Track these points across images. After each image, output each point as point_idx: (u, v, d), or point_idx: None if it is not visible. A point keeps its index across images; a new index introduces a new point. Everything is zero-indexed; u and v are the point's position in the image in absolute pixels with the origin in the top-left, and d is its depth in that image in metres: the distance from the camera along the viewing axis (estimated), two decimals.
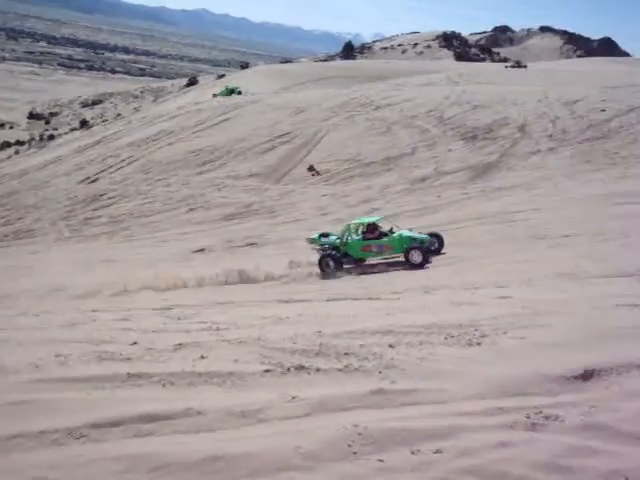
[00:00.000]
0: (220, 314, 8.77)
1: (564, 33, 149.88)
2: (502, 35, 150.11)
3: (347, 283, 12.74)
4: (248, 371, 5.07)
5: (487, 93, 35.62)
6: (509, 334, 5.67)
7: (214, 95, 51.28)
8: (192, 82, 79.09)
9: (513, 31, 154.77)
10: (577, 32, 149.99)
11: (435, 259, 14.16)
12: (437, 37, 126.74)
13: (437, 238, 15.36)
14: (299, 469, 3.53)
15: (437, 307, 7.71)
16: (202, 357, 5.48)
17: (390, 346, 5.47)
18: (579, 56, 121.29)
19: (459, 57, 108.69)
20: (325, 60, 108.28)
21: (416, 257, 14.56)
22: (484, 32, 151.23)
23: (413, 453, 3.64)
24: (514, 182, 22.04)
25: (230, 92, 50.63)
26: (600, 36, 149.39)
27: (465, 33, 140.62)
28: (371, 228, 15.71)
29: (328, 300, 9.74)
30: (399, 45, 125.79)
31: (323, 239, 16.07)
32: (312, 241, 16.19)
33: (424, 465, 3.52)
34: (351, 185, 25.80)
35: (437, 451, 3.64)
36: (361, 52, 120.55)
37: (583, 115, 29.93)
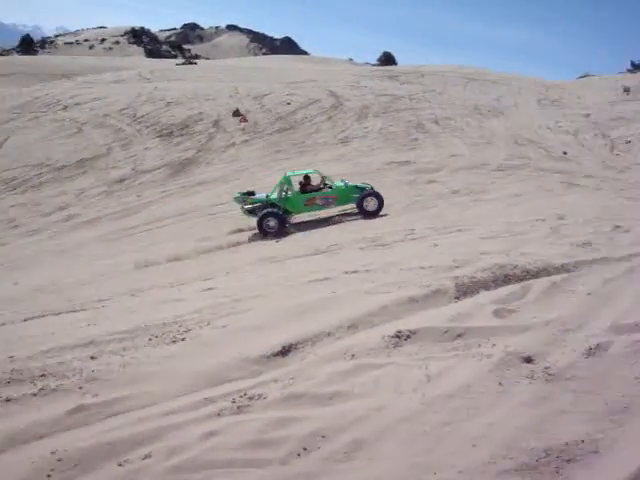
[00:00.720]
0: None
1: (249, 32, 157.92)
2: (192, 32, 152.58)
3: (49, 296, 11.75)
4: None
5: (180, 90, 35.83)
6: (212, 325, 5.77)
7: None
8: None
9: (202, 28, 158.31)
10: (261, 31, 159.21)
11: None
12: (126, 33, 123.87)
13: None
14: None
15: (142, 309, 7.51)
16: None
17: (92, 358, 5.16)
18: (264, 53, 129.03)
19: (150, 54, 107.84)
20: (0, 55, 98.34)
21: (372, 204, 14.28)
22: (174, 29, 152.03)
23: (120, 465, 3.49)
24: (213, 176, 22.57)
25: None
26: (282, 35, 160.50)
27: (155, 29, 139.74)
28: (309, 180, 14.96)
29: (25, 320, 8.86)
30: (85, 40, 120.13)
31: (254, 197, 14.68)
32: (238, 200, 14.81)
33: (133, 474, 3.40)
34: (43, 192, 23.80)
35: (146, 456, 3.55)
36: (42, 47, 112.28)
37: (271, 108, 31.88)
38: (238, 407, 4.10)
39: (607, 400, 4.15)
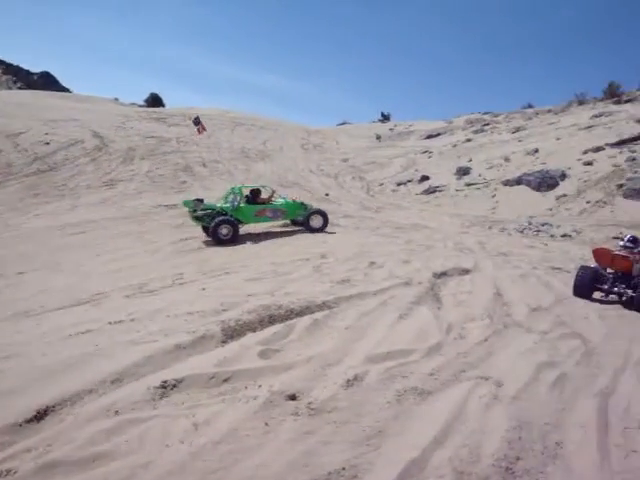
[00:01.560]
0: None
1: (1, 63, 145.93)
2: None
3: None
4: None
5: None
6: None
7: None
8: None
9: None
10: (16, 63, 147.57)
11: None
12: None
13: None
14: None
15: None
16: None
17: None
18: (20, 88, 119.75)
19: None
20: None
21: (316, 222, 15.93)
22: None
23: None
24: None
25: None
26: (40, 70, 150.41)
27: None
28: (256, 193, 15.83)
29: None
30: None
31: (205, 204, 15.09)
32: (189, 206, 15.08)
33: None
34: None
35: None
36: None
37: (27, 148, 29.65)
38: None
39: (364, 426, 4.47)
